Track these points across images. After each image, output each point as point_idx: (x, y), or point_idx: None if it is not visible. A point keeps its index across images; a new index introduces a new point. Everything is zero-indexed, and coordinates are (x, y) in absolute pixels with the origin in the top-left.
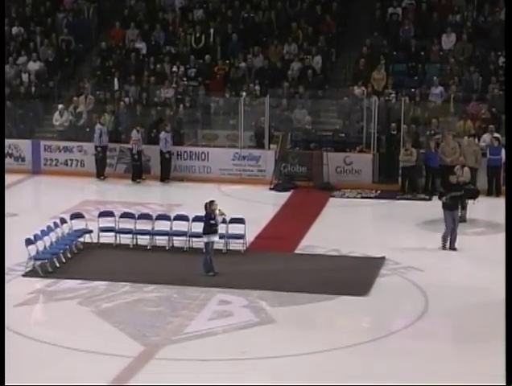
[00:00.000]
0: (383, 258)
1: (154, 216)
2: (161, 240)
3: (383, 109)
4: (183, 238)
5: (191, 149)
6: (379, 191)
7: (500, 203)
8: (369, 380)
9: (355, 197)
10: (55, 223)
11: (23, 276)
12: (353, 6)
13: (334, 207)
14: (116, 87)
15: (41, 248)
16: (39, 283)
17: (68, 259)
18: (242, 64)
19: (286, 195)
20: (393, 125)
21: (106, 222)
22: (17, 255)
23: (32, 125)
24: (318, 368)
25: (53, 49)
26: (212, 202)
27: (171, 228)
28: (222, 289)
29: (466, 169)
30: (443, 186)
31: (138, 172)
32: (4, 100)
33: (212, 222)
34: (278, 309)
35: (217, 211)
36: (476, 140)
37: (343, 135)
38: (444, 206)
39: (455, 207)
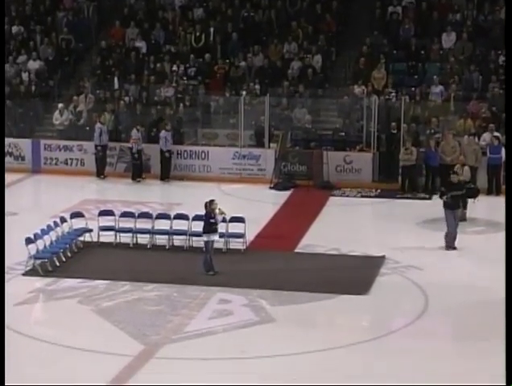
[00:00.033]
0: (383, 257)
1: (154, 215)
2: (161, 239)
3: (383, 108)
4: (183, 237)
5: (191, 148)
6: (379, 190)
7: (500, 201)
8: (369, 379)
9: (355, 196)
10: (55, 222)
11: (23, 275)
12: (353, 4)
13: (334, 206)
14: (116, 86)
15: (41, 247)
16: (39, 282)
17: (68, 258)
18: (242, 63)
19: (286, 194)
20: (393, 124)
21: (106, 221)
22: (17, 254)
23: (32, 124)
24: (318, 367)
25: (53, 48)
26: (212, 201)
27: (171, 227)
28: (222, 288)
29: (466, 168)
30: (444, 186)
31: (138, 171)
32: (4, 99)
33: (212, 221)
34: (278, 308)
35: (217, 210)
36: (477, 139)
37: (343, 134)
38: (445, 205)
39: (456, 206)
